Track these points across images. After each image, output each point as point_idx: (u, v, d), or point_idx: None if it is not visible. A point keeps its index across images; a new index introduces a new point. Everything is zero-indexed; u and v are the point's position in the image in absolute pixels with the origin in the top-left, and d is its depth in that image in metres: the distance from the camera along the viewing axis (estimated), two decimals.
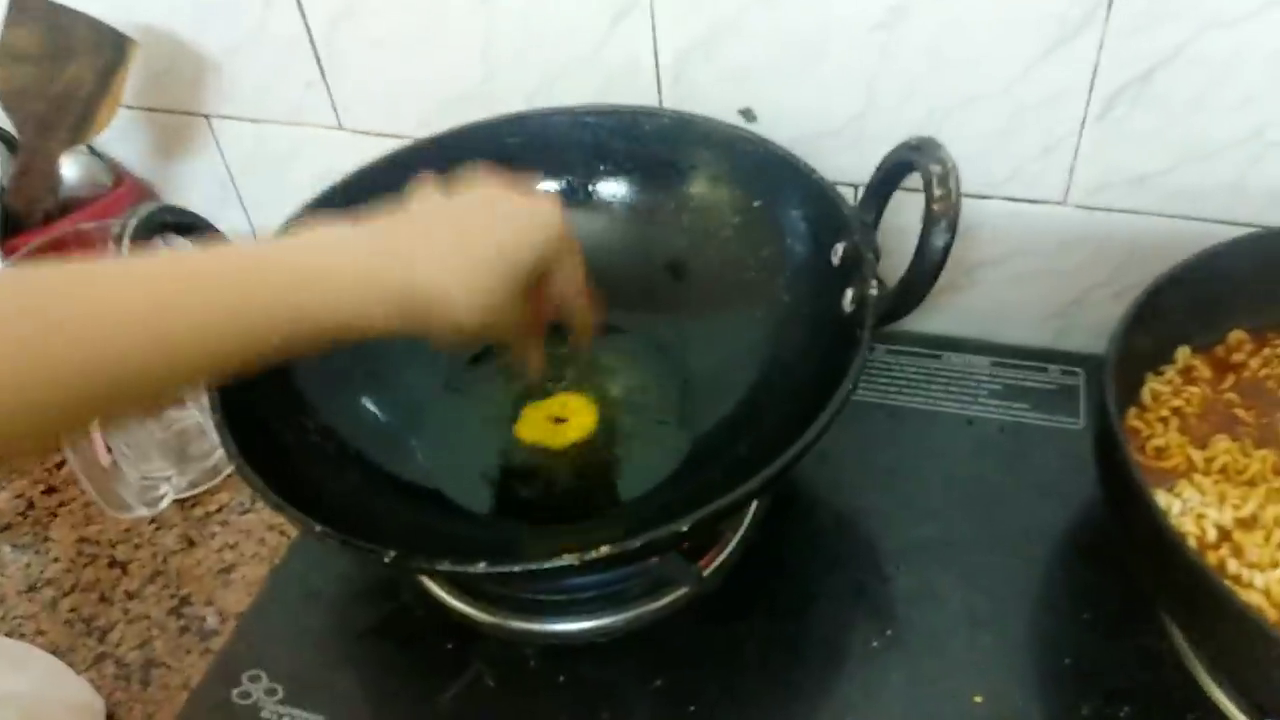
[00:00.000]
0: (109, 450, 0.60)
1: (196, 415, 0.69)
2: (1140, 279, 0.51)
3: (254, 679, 0.52)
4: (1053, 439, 0.60)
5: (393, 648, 0.54)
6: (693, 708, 0.50)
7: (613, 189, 0.62)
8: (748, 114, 0.63)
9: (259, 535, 0.66)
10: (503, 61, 0.66)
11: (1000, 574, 0.54)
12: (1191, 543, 0.46)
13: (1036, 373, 0.64)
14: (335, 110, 0.72)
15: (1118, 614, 0.51)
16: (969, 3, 0.55)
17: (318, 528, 0.42)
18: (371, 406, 0.58)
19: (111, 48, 0.66)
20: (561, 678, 0.51)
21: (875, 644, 0.51)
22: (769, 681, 0.50)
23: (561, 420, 0.59)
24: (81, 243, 0.66)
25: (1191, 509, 0.48)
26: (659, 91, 0.64)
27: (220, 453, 0.70)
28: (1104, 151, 0.58)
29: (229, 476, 0.70)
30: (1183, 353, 0.55)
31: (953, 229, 0.44)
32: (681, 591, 0.53)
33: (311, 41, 0.68)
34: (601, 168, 0.62)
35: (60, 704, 0.53)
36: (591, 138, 0.61)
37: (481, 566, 0.41)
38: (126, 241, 0.47)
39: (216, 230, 0.54)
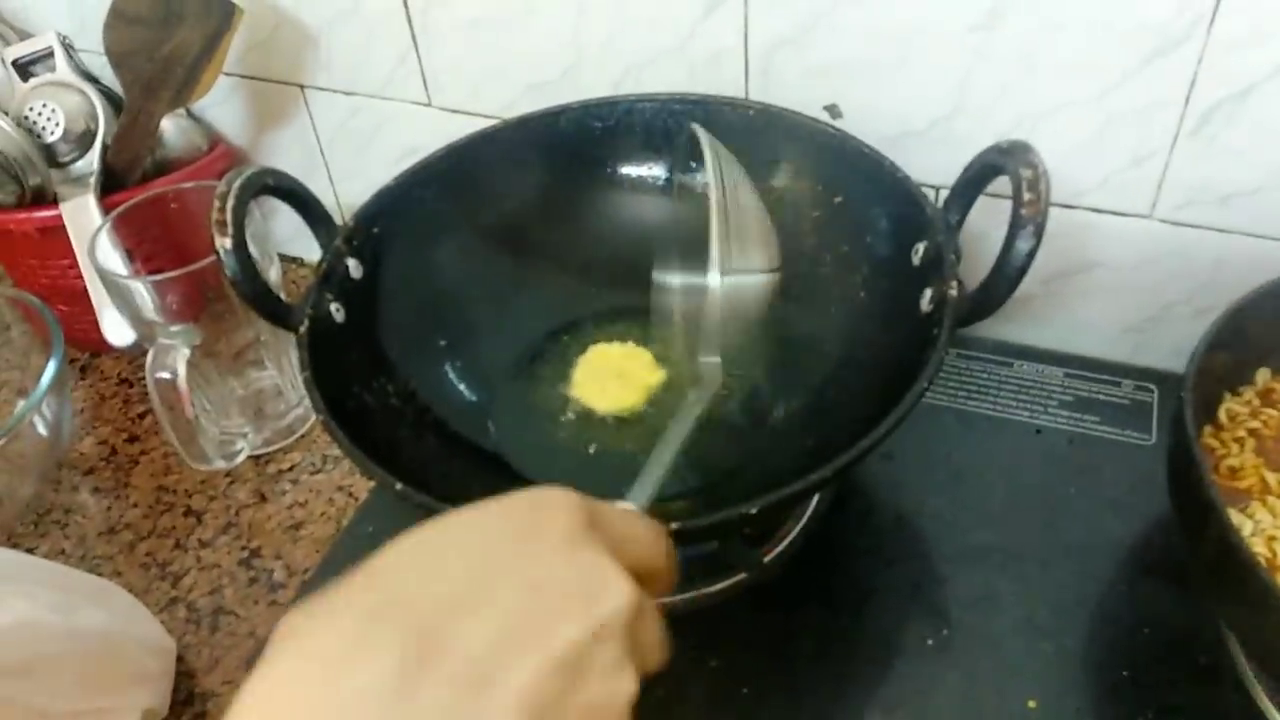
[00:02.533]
0: (192, 404, 0.62)
1: (274, 376, 0.72)
2: (1222, 298, 0.50)
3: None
4: (1123, 453, 0.59)
5: None
6: (746, 690, 0.50)
7: (696, 178, 0.63)
8: (833, 110, 0.63)
9: (328, 495, 0.68)
10: (591, 47, 0.67)
11: (1061, 584, 0.53)
12: (1261, 564, 0.45)
13: (1110, 386, 0.63)
14: (426, 87, 0.73)
15: (1179, 631, 0.51)
16: (1067, 8, 0.54)
17: (398, 485, 0.44)
18: (452, 375, 0.59)
19: (219, 14, 0.68)
20: None
21: (930, 642, 0.52)
22: (822, 671, 0.51)
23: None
24: (181, 201, 0.68)
25: (1263, 531, 0.47)
26: (745, 84, 0.65)
27: (295, 413, 0.72)
28: (1194, 167, 0.57)
29: (302, 437, 0.72)
30: (1263, 374, 0.54)
31: (1039, 235, 0.44)
32: (740, 576, 0.53)
33: (408, 17, 0.70)
34: (685, 157, 0.62)
35: (136, 641, 0.55)
36: (678, 126, 0.61)
37: None
38: (231, 200, 0.48)
39: (314, 197, 0.56)
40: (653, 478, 0.41)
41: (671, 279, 0.60)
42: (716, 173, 0.52)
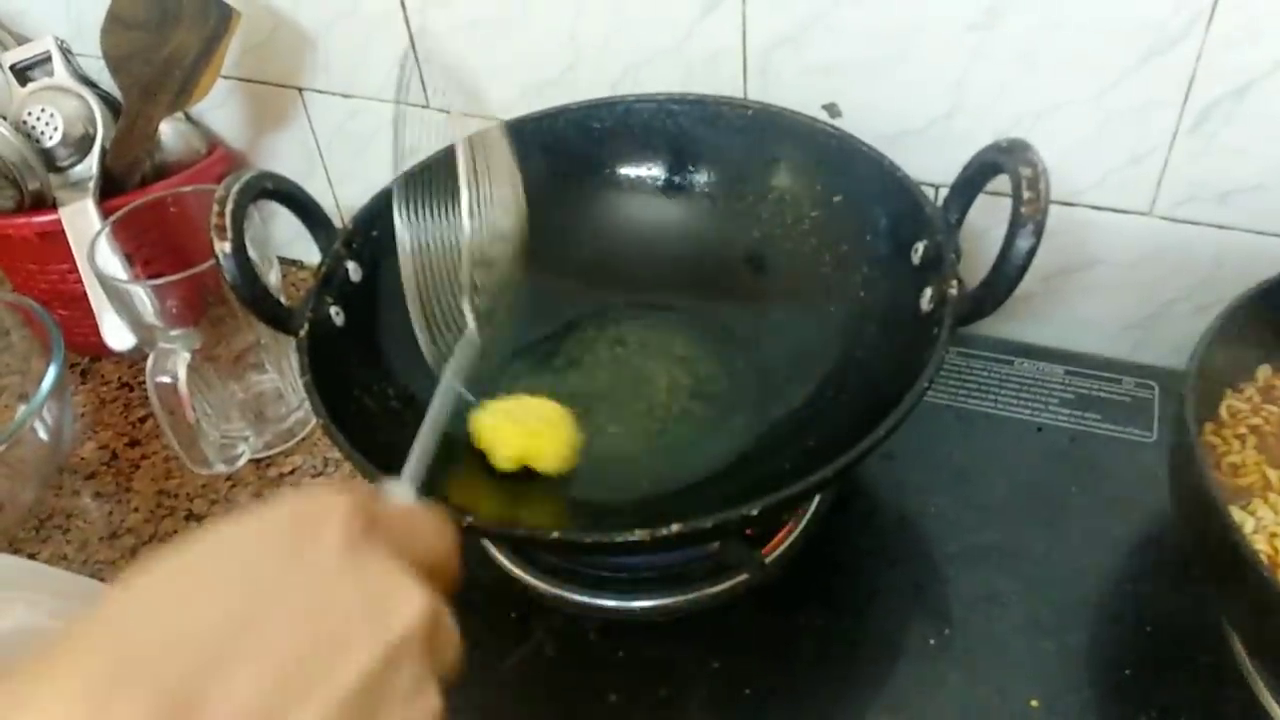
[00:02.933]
0: (193, 408, 0.62)
1: (275, 379, 0.72)
2: (1223, 295, 0.50)
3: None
4: (1124, 451, 0.59)
5: (457, 612, 0.55)
6: (748, 691, 0.50)
7: (694, 178, 0.63)
8: (832, 109, 0.63)
9: None
10: (589, 48, 0.67)
11: (1063, 582, 0.53)
12: (1264, 561, 0.45)
13: (1111, 384, 0.63)
14: (424, 88, 0.73)
15: (1181, 630, 0.51)
16: (1065, 7, 0.54)
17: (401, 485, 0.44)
18: None
19: (216, 18, 0.68)
20: (621, 653, 0.52)
21: (933, 642, 0.52)
22: (825, 671, 0.51)
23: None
24: (180, 205, 0.68)
25: (1265, 527, 0.47)
26: (744, 83, 0.65)
27: (295, 416, 0.72)
28: (1194, 164, 0.57)
29: (303, 440, 0.72)
30: (1264, 371, 0.54)
31: (1039, 233, 0.44)
32: (742, 578, 0.53)
33: (406, 19, 0.70)
34: (684, 157, 0.62)
35: None
36: (676, 126, 0.61)
37: (555, 535, 0.42)
38: (230, 204, 0.48)
39: (313, 200, 0.56)
40: (417, 459, 0.38)
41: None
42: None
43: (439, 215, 0.50)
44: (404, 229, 0.49)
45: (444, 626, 0.29)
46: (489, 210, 0.49)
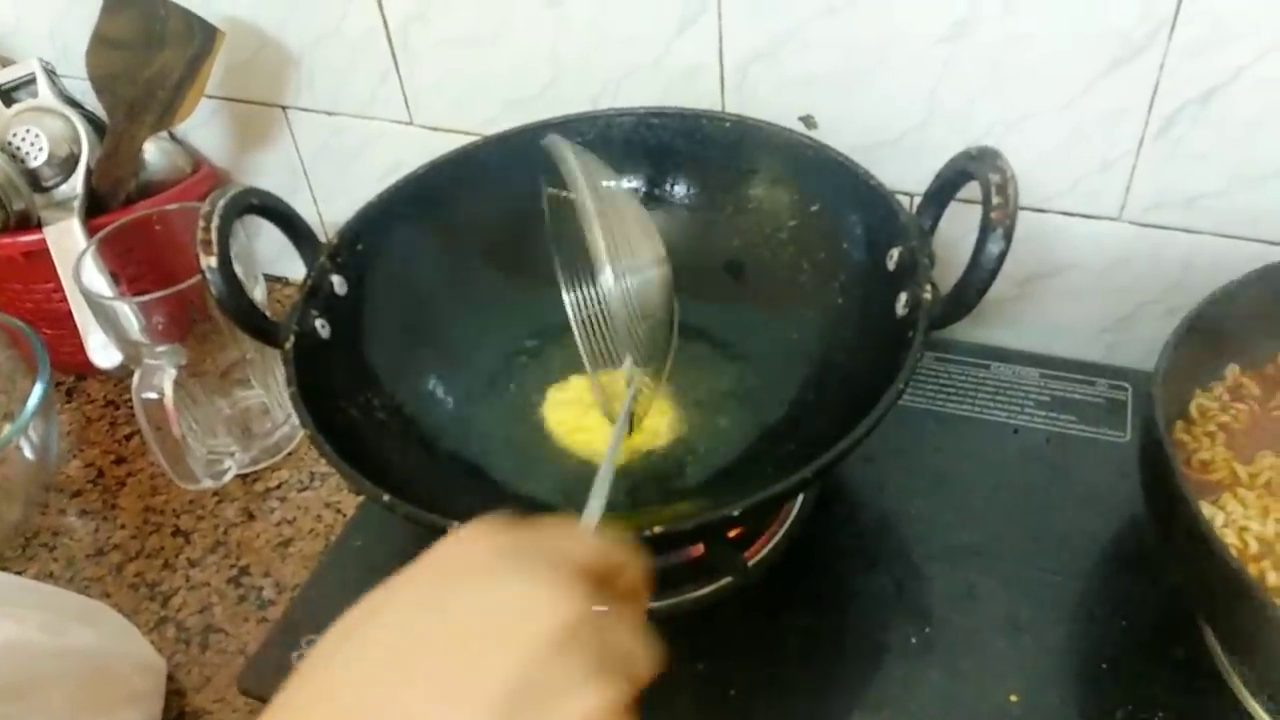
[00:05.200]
0: (179, 424, 0.62)
1: (261, 395, 0.72)
2: (1192, 298, 0.51)
3: (313, 643, 0.54)
4: (1098, 451, 0.60)
5: None
6: (733, 691, 0.51)
7: (674, 189, 0.64)
8: (808, 121, 0.64)
9: (316, 512, 0.68)
10: (569, 64, 0.68)
11: (1040, 580, 0.54)
12: (1233, 554, 0.46)
13: (1084, 386, 0.65)
14: (407, 106, 0.74)
15: (1155, 624, 0.52)
16: (1032, 19, 0.56)
17: (385, 497, 0.44)
18: (436, 388, 0.60)
19: (201, 37, 0.69)
20: None
21: (914, 641, 0.52)
22: (808, 672, 0.52)
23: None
24: (165, 223, 0.68)
25: (1234, 521, 0.48)
26: (722, 97, 0.66)
27: (282, 431, 0.72)
28: (1161, 170, 0.59)
29: (289, 455, 0.72)
30: (1232, 370, 0.55)
31: (1008, 237, 0.45)
32: (726, 580, 0.54)
33: (388, 38, 0.71)
34: (664, 168, 0.63)
35: (126, 661, 0.56)
36: (656, 139, 0.62)
37: None
38: (216, 220, 0.49)
39: (297, 215, 0.56)
40: (601, 493, 0.39)
41: (573, 296, 0.57)
42: (584, 178, 0.52)
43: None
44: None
45: (617, 625, 0.30)
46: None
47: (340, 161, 0.80)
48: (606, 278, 0.51)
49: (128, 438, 0.76)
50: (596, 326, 0.53)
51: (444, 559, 0.30)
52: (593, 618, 0.29)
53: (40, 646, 0.49)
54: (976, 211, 0.47)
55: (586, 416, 0.59)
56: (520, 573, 0.29)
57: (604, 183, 0.54)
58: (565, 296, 0.56)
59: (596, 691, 0.28)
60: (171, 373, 0.61)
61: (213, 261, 0.49)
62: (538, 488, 0.57)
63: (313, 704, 0.28)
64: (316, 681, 0.28)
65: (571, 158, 0.53)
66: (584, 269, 0.54)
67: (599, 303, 0.52)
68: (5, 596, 0.51)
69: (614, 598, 0.31)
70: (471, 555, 0.30)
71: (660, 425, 0.59)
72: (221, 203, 0.50)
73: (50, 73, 0.74)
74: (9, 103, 0.74)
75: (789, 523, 0.57)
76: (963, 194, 0.52)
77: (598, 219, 0.50)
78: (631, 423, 0.55)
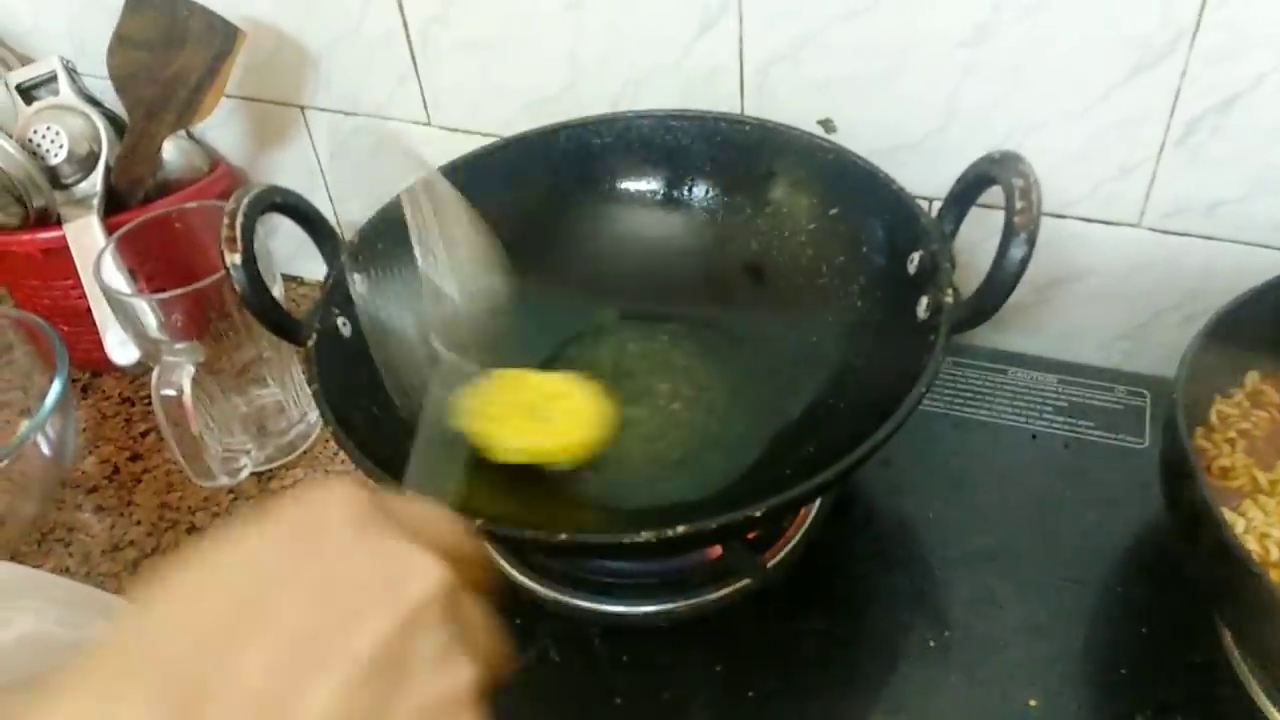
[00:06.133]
0: (197, 421, 0.62)
1: (277, 393, 0.72)
2: (1211, 305, 0.51)
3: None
4: (1117, 457, 0.60)
5: None
6: (751, 694, 0.51)
7: (693, 192, 0.64)
8: (827, 124, 0.64)
9: None
10: (588, 66, 0.68)
11: (1059, 586, 0.54)
12: (1254, 559, 0.46)
13: (1103, 392, 0.64)
14: (425, 106, 0.75)
15: (1175, 630, 0.52)
16: (1054, 23, 0.56)
17: (408, 494, 0.44)
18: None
19: (222, 37, 0.69)
20: (625, 657, 0.53)
21: (932, 645, 0.52)
22: (826, 675, 0.52)
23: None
24: (184, 221, 0.69)
25: (1255, 528, 0.48)
26: (741, 99, 0.66)
27: (297, 430, 0.72)
28: (1181, 176, 0.59)
29: (304, 453, 0.72)
30: (1252, 377, 0.55)
31: (1031, 242, 0.45)
32: (744, 582, 0.54)
33: (408, 38, 0.71)
34: (683, 171, 0.63)
35: None
36: (675, 141, 0.63)
37: (563, 537, 0.42)
38: (240, 217, 0.49)
39: (320, 213, 0.57)
40: (415, 468, 0.38)
41: None
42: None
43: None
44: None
45: (471, 605, 0.29)
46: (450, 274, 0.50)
47: (358, 162, 0.80)
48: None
49: (143, 435, 0.76)
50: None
51: (293, 516, 0.28)
52: (456, 594, 0.28)
53: (59, 640, 0.49)
54: (995, 216, 0.47)
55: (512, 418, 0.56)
56: (386, 538, 0.27)
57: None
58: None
59: (457, 669, 0.27)
60: (190, 370, 0.62)
61: (237, 259, 0.50)
62: (550, 487, 0.57)
63: (124, 677, 0.24)
64: (130, 652, 0.25)
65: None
66: None
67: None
68: (25, 589, 0.51)
69: (466, 578, 0.30)
70: (327, 514, 0.28)
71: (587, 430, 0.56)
72: (246, 200, 0.50)
73: (71, 71, 0.74)
74: (30, 100, 0.74)
75: (807, 525, 0.57)
76: (982, 199, 0.52)
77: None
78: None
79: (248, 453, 0.70)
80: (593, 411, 0.56)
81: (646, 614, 0.54)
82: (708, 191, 0.64)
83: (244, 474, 0.69)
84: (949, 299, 0.49)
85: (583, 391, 0.57)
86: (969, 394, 0.65)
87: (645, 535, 0.42)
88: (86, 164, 0.73)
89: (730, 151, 0.62)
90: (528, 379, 0.57)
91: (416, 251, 0.49)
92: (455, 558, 0.29)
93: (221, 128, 0.82)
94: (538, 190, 0.64)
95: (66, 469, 0.70)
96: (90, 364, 0.80)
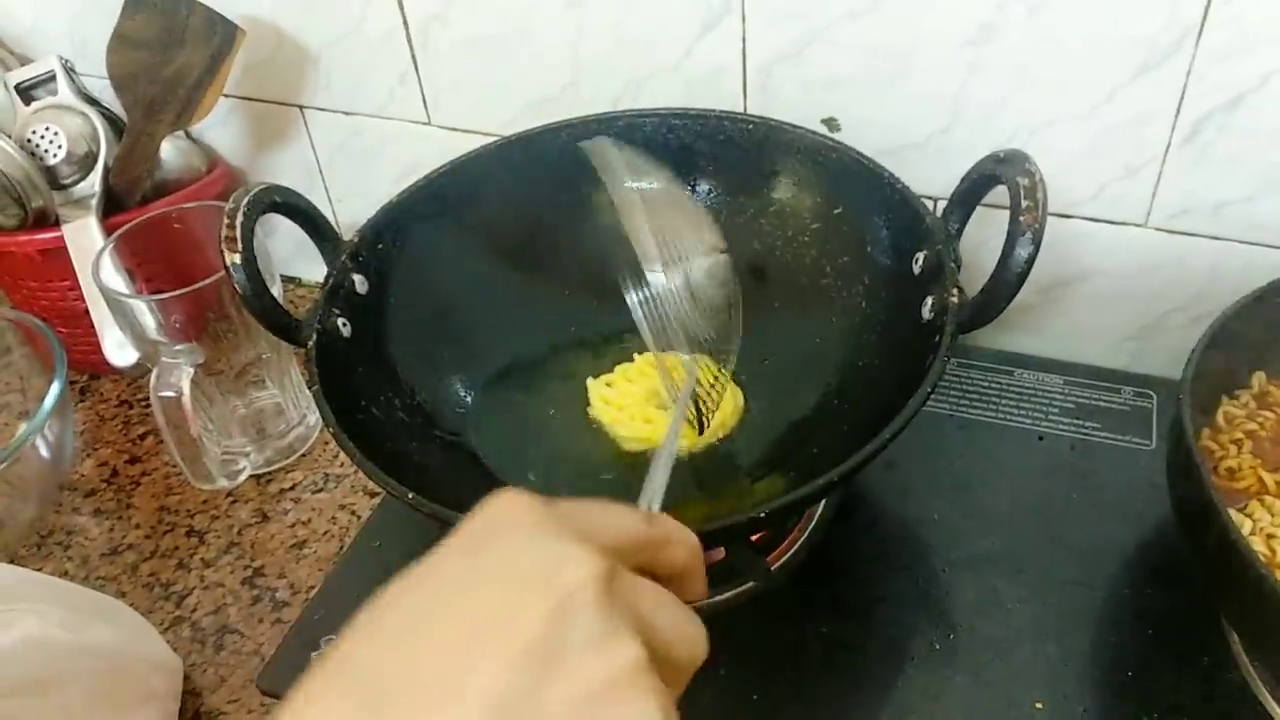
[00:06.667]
0: (196, 422, 0.62)
1: (276, 395, 0.72)
2: (1218, 306, 0.51)
3: (331, 642, 0.54)
4: (1124, 458, 0.60)
5: None
6: (755, 696, 0.51)
7: (695, 191, 0.63)
8: (831, 124, 0.64)
9: (330, 514, 0.68)
10: (590, 66, 0.68)
11: (1065, 588, 0.54)
12: (1261, 560, 0.46)
13: (1110, 393, 0.64)
14: (425, 106, 0.74)
15: (1181, 633, 0.52)
16: (1059, 23, 0.55)
17: (409, 495, 0.44)
18: (457, 388, 0.59)
19: (221, 36, 0.69)
20: None
21: (938, 647, 0.52)
22: (831, 677, 0.51)
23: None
24: (183, 222, 0.68)
25: (1262, 529, 0.48)
26: (744, 99, 0.66)
27: (296, 432, 0.72)
28: (1187, 176, 0.58)
29: (303, 456, 0.72)
30: (1259, 378, 0.55)
31: (1037, 241, 0.45)
32: (748, 585, 0.54)
33: (408, 37, 0.71)
34: (686, 170, 0.63)
35: (143, 659, 0.55)
36: (678, 140, 0.62)
37: None
38: (240, 216, 0.49)
39: (320, 213, 0.56)
40: (656, 485, 0.39)
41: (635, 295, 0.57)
42: (617, 177, 0.52)
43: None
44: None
45: (636, 587, 0.30)
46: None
47: (357, 162, 0.80)
48: (655, 276, 0.51)
49: (141, 437, 0.75)
50: (657, 323, 0.53)
51: (472, 526, 0.30)
52: (619, 579, 0.29)
53: (61, 643, 0.49)
54: (1000, 216, 0.46)
55: (642, 406, 0.59)
56: (546, 534, 0.29)
57: (643, 182, 0.53)
58: (628, 297, 0.54)
59: (616, 651, 0.27)
60: (189, 371, 0.61)
61: (237, 258, 0.49)
62: (558, 489, 0.57)
63: (332, 676, 0.27)
64: (339, 654, 0.28)
65: (611, 157, 0.53)
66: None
67: (654, 301, 0.52)
68: (27, 592, 0.50)
69: (660, 578, 0.32)
70: (499, 519, 0.30)
71: (729, 417, 0.58)
72: (245, 200, 0.50)
73: (70, 71, 0.74)
74: (28, 101, 0.73)
75: (811, 527, 0.57)
76: (987, 198, 0.51)
77: (636, 216, 0.51)
78: (701, 415, 0.54)
79: (246, 455, 0.69)
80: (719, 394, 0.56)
81: None
82: (711, 191, 0.63)
83: (243, 476, 0.69)
84: (954, 299, 0.49)
85: (708, 375, 0.56)
86: (975, 395, 0.65)
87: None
88: (85, 164, 0.72)
89: (733, 151, 0.62)
90: (651, 366, 0.59)
91: (653, 253, 0.50)
92: (627, 547, 0.31)
93: (220, 128, 0.82)
94: (539, 190, 0.63)
95: (65, 472, 0.70)
96: (88, 366, 0.79)
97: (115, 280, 0.65)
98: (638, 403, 0.59)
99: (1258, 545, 0.47)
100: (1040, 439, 0.62)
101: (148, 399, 0.63)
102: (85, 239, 0.70)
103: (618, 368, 0.61)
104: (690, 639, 0.31)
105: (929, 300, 0.51)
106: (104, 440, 0.76)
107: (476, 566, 0.29)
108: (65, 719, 0.48)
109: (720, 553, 0.53)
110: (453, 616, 0.27)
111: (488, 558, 0.29)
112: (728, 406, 0.58)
